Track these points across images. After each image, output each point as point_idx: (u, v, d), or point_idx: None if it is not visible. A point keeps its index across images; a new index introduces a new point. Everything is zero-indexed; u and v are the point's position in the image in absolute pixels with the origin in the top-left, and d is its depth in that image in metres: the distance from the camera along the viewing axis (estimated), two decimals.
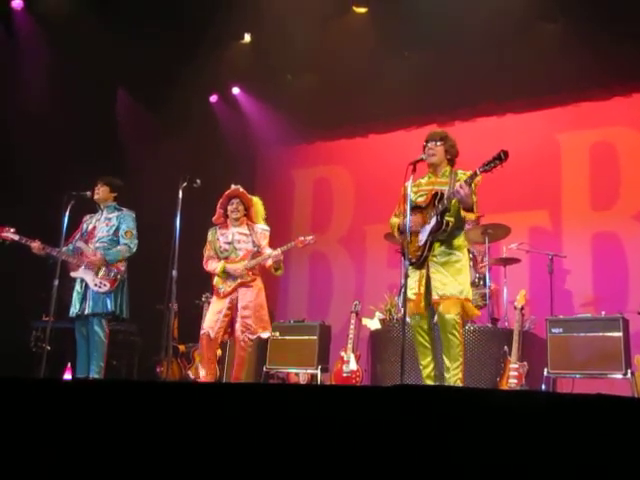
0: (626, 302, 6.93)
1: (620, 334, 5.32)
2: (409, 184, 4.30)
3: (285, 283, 8.98)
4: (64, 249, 5.58)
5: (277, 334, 6.69)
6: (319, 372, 6.45)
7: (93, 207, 5.83)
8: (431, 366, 4.45)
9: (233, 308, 5.35)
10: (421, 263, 4.38)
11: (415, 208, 4.42)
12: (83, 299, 5.50)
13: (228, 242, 5.49)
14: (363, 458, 1.90)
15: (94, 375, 5.35)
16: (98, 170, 6.19)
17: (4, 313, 6.65)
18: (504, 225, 6.45)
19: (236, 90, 9.40)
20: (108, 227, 5.70)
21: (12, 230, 5.61)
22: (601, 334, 5.40)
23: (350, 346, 6.60)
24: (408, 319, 4.43)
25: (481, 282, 6.46)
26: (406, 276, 4.39)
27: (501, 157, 3.99)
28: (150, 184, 7.78)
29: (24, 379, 2.74)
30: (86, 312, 5.45)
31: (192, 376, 7.26)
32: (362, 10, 7.90)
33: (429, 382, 4.42)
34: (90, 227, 5.75)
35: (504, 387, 5.47)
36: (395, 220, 4.65)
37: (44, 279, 5.59)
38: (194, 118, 8.75)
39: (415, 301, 4.36)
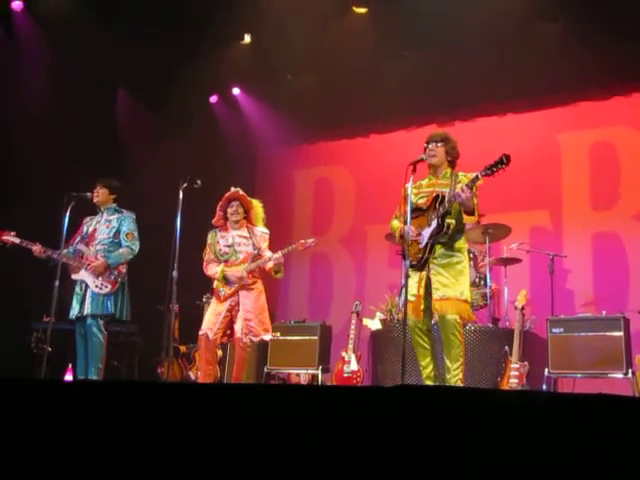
0: (627, 302, 6.93)
1: (621, 334, 5.32)
2: (409, 185, 4.29)
3: (286, 283, 8.98)
4: (65, 252, 5.57)
5: (278, 334, 6.69)
6: (320, 372, 6.45)
7: (93, 208, 5.83)
8: (431, 366, 4.44)
9: (233, 310, 5.34)
10: (422, 265, 4.38)
11: (416, 210, 4.41)
12: (82, 300, 5.50)
13: (228, 245, 5.48)
14: (364, 458, 1.90)
15: (93, 377, 5.35)
16: (98, 171, 6.19)
17: (5, 314, 6.65)
18: (505, 225, 6.45)
19: (236, 90, 9.40)
20: (109, 229, 5.69)
21: (13, 233, 5.61)
22: (602, 334, 5.40)
23: (351, 346, 6.60)
24: (408, 320, 4.43)
25: (482, 282, 6.46)
26: (407, 276, 4.38)
27: (503, 161, 3.99)
28: (150, 185, 7.78)
29: (25, 380, 2.74)
30: (85, 313, 5.45)
31: (193, 377, 7.27)
32: (362, 10, 7.90)
33: (429, 383, 4.41)
34: (90, 229, 5.74)
35: (505, 387, 5.47)
36: (396, 224, 4.64)
37: (45, 280, 5.59)
38: (194, 118, 8.75)
39: (414, 303, 4.36)
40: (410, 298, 4.36)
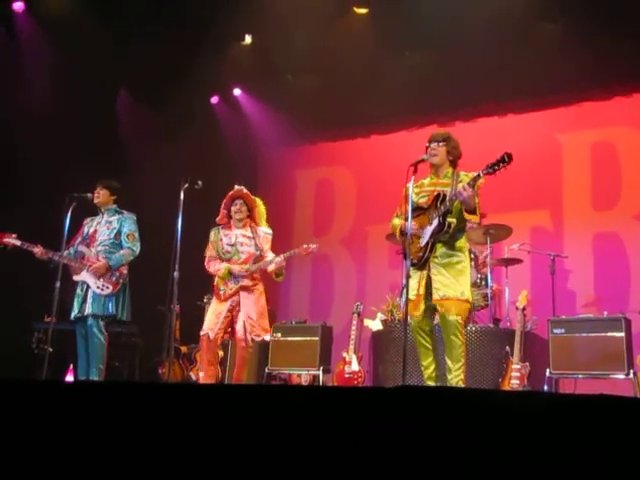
0: (628, 302, 6.93)
1: (622, 334, 5.32)
2: (410, 185, 4.29)
3: (287, 284, 8.97)
4: (66, 253, 5.58)
5: (279, 335, 6.69)
6: (321, 373, 6.45)
7: (94, 209, 5.83)
8: (432, 367, 4.44)
9: (234, 310, 5.33)
10: (422, 264, 4.38)
11: (417, 209, 4.42)
12: (83, 301, 5.50)
13: (231, 244, 5.47)
14: (365, 459, 1.90)
15: (94, 378, 5.35)
16: (100, 170, 6.20)
17: (6, 314, 6.66)
18: (506, 225, 6.45)
19: (237, 91, 9.41)
20: (109, 230, 5.69)
21: (14, 236, 5.61)
22: (603, 334, 5.40)
23: (352, 347, 6.60)
24: (409, 320, 4.43)
25: (483, 282, 6.45)
26: (407, 277, 4.38)
27: (505, 160, 3.99)
28: (151, 185, 7.79)
29: (26, 380, 2.75)
30: (86, 313, 5.45)
31: (194, 377, 7.27)
32: (363, 11, 7.91)
33: (430, 383, 4.41)
34: (91, 230, 5.74)
35: (506, 388, 5.46)
36: (397, 222, 4.64)
37: (46, 281, 5.59)
38: (196, 119, 8.76)
39: (414, 302, 4.36)
40: (411, 297, 4.36)
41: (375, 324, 6.86)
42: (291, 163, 9.83)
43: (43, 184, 7.17)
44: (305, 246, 5.47)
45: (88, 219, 5.85)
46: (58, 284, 5.39)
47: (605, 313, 5.68)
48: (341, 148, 9.54)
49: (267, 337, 5.39)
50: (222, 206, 5.56)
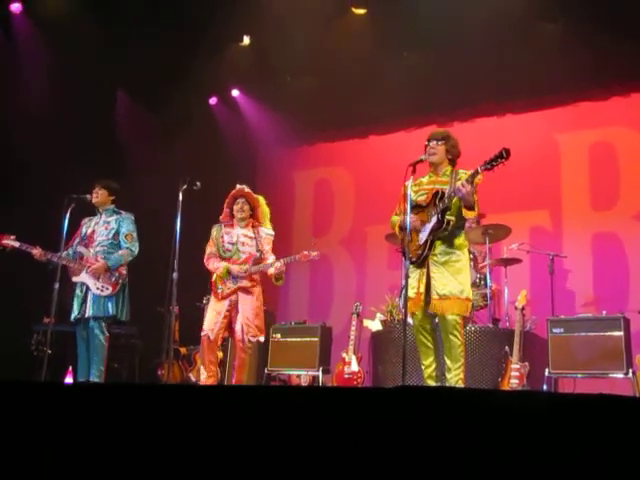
0: (627, 301, 6.94)
1: (621, 333, 5.32)
2: (409, 183, 4.30)
3: (286, 285, 8.93)
4: (64, 254, 5.57)
5: (278, 336, 6.69)
6: (320, 374, 6.44)
7: (92, 210, 5.83)
8: (433, 366, 4.44)
9: (232, 310, 5.33)
10: (421, 262, 4.38)
11: (416, 207, 4.42)
12: (83, 303, 5.50)
13: (232, 242, 5.47)
14: (365, 459, 1.90)
15: (94, 379, 5.35)
16: (98, 171, 6.20)
17: (5, 316, 6.65)
18: (504, 225, 6.45)
19: (235, 92, 9.41)
20: (107, 231, 5.69)
21: (12, 237, 5.61)
22: (602, 334, 5.40)
23: (351, 347, 6.60)
24: (410, 320, 4.43)
25: (482, 282, 6.46)
26: (407, 277, 4.38)
27: (503, 155, 3.99)
28: (150, 186, 7.78)
29: (25, 382, 2.74)
30: (86, 315, 5.45)
31: (193, 378, 7.27)
32: (361, 11, 7.90)
33: (431, 382, 4.41)
34: (89, 231, 5.74)
35: (505, 387, 5.47)
36: (396, 218, 4.65)
37: (45, 282, 5.59)
38: (194, 120, 8.76)
39: (415, 299, 4.36)
40: (411, 295, 4.36)
41: (374, 324, 6.86)
42: (289, 164, 9.83)
43: (41, 185, 7.16)
44: (306, 253, 5.45)
45: (86, 219, 5.85)
46: (57, 285, 5.39)
47: (604, 312, 5.68)
48: (340, 149, 9.54)
49: (261, 338, 5.39)
50: (225, 205, 5.57)
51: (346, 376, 6.50)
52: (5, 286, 6.59)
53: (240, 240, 5.46)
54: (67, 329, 5.87)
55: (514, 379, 5.44)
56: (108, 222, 5.73)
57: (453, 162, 4.55)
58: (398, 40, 7.90)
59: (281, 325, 7.03)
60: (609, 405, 1.84)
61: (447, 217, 4.33)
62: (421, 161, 4.44)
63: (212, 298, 5.47)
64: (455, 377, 4.27)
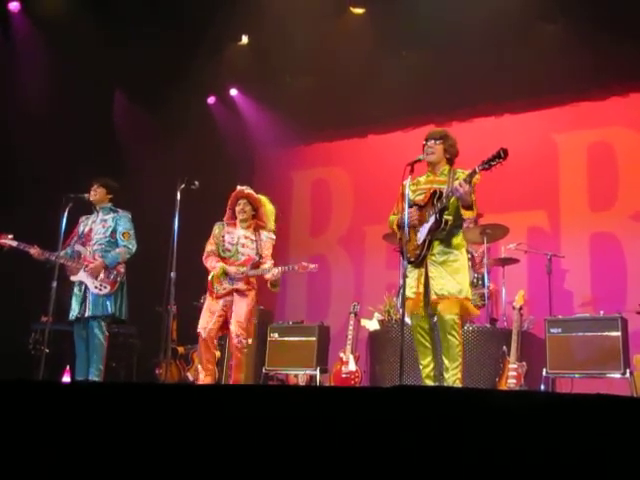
0: (624, 302, 6.94)
1: (619, 334, 5.32)
2: (407, 182, 4.31)
3: (284, 284, 8.96)
4: (62, 253, 5.56)
5: (276, 335, 6.70)
6: (318, 373, 6.44)
7: (90, 209, 5.83)
8: (431, 366, 4.44)
9: (228, 311, 5.34)
10: (420, 262, 4.38)
11: (413, 206, 4.42)
12: (82, 302, 5.49)
13: (233, 243, 5.47)
14: (363, 459, 1.90)
15: (93, 378, 5.34)
16: (97, 171, 6.19)
17: (3, 315, 6.65)
18: (502, 225, 6.45)
19: (234, 92, 9.41)
20: (104, 229, 5.68)
21: (10, 236, 5.60)
22: (600, 334, 5.40)
23: (349, 347, 6.60)
24: (407, 319, 4.43)
25: (480, 282, 6.46)
26: (404, 276, 4.38)
27: (501, 155, 3.99)
28: (148, 185, 7.78)
29: (23, 381, 2.74)
30: (86, 315, 5.45)
31: (191, 378, 7.27)
32: (359, 11, 7.90)
33: (428, 382, 4.41)
34: (86, 229, 5.73)
35: (503, 387, 5.47)
36: (394, 217, 4.65)
37: (43, 281, 5.59)
38: (192, 119, 8.75)
39: (415, 300, 4.36)
40: (410, 295, 4.36)
41: (372, 324, 6.86)
42: (288, 163, 9.83)
43: (40, 185, 7.16)
44: (305, 264, 5.47)
45: (83, 217, 5.84)
46: (55, 284, 5.38)
47: (602, 312, 5.69)
48: (338, 148, 9.55)
49: (250, 340, 5.39)
50: (228, 205, 5.57)
51: (343, 376, 6.50)
52: (3, 285, 6.58)
53: (241, 241, 5.46)
54: (65, 328, 5.87)
55: (512, 379, 5.44)
56: (105, 220, 5.73)
57: (451, 161, 4.55)
58: (397, 40, 7.90)
59: (279, 324, 7.03)
60: (606, 405, 1.84)
61: (445, 217, 4.32)
62: (419, 161, 4.44)
63: (208, 297, 5.48)
64: (453, 377, 4.27)
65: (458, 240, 4.44)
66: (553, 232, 7.96)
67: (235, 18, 7.63)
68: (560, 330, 5.56)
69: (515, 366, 5.48)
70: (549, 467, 1.75)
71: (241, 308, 5.31)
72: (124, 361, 7.27)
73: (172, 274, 5.13)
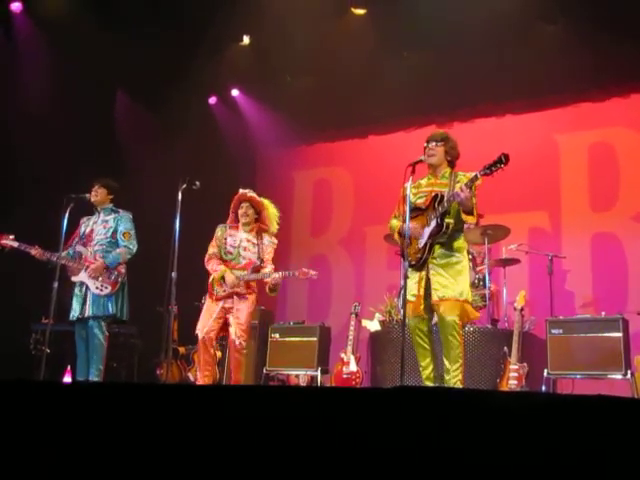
0: (626, 302, 6.94)
1: (620, 334, 5.32)
2: (408, 185, 4.29)
3: (285, 285, 8.96)
4: (64, 254, 5.57)
5: (277, 336, 6.69)
6: (319, 374, 6.44)
7: (91, 209, 5.83)
8: (430, 367, 4.43)
9: (228, 312, 5.35)
10: (421, 265, 4.37)
11: (415, 210, 4.41)
12: (83, 302, 5.50)
13: (234, 246, 5.48)
14: (363, 460, 1.90)
15: (93, 378, 5.34)
16: (98, 172, 6.20)
17: (4, 315, 6.65)
18: (503, 226, 6.45)
19: (235, 92, 9.41)
20: (105, 229, 5.69)
21: (11, 237, 5.61)
22: (601, 335, 5.40)
23: (350, 348, 6.60)
24: (407, 320, 4.42)
25: (481, 283, 6.46)
26: (405, 277, 4.38)
27: (502, 160, 3.98)
28: (150, 186, 7.79)
29: (24, 382, 2.74)
30: (87, 315, 5.45)
31: (192, 378, 7.27)
32: (361, 11, 7.91)
33: (429, 383, 4.40)
34: (88, 230, 5.74)
35: (504, 388, 5.47)
36: (395, 223, 4.63)
37: (43, 282, 5.59)
38: (194, 119, 8.76)
39: (414, 303, 4.35)
40: (410, 298, 4.36)
41: (373, 325, 6.86)
42: (289, 164, 9.83)
43: (41, 185, 7.17)
44: (305, 270, 5.49)
45: (84, 218, 5.84)
46: (56, 285, 5.38)
47: (603, 313, 5.68)
48: (339, 149, 9.55)
49: (246, 343, 5.41)
50: (231, 209, 5.58)
51: (344, 376, 6.49)
52: (4, 285, 6.59)
53: (242, 245, 5.47)
54: (66, 328, 5.87)
55: (513, 380, 5.44)
56: (106, 221, 5.73)
57: (452, 164, 4.54)
58: (398, 40, 7.90)
59: (280, 325, 7.03)
60: (607, 406, 1.84)
61: (446, 221, 4.32)
62: (420, 161, 4.43)
63: (207, 299, 5.49)
64: (454, 378, 4.26)
65: (459, 243, 4.43)
66: (554, 233, 7.96)
67: (236, 18, 7.63)
68: (561, 331, 5.55)
69: (516, 367, 5.47)
70: (550, 468, 1.75)
71: (241, 311, 5.32)
72: (125, 361, 7.27)
73: (173, 274, 5.14)
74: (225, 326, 5.36)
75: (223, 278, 5.36)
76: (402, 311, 4.31)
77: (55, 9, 7.49)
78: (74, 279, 5.59)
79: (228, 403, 2.25)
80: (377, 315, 6.87)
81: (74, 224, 5.76)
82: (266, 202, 5.63)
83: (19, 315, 6.84)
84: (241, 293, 5.35)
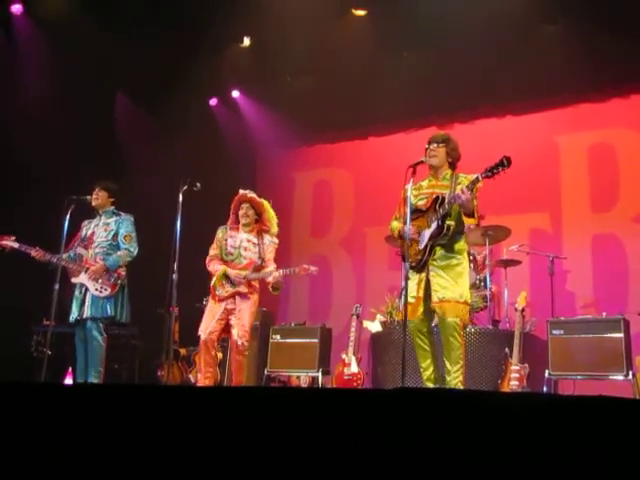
0: (626, 303, 6.93)
1: (621, 335, 5.31)
2: (409, 187, 4.29)
3: (286, 286, 8.93)
4: (64, 256, 5.57)
5: (278, 337, 6.69)
6: (320, 375, 6.44)
7: (92, 211, 5.83)
8: (431, 368, 4.43)
9: (230, 313, 5.35)
10: (421, 267, 4.37)
11: (415, 211, 4.41)
12: (82, 304, 5.49)
13: (235, 246, 5.48)
14: (364, 461, 1.90)
15: (93, 380, 5.34)
16: (98, 173, 6.20)
17: (5, 317, 6.65)
18: (504, 227, 6.45)
19: (236, 93, 9.42)
20: (107, 232, 5.69)
21: (12, 238, 5.60)
22: (602, 335, 5.39)
23: (351, 349, 6.60)
24: (408, 322, 4.42)
25: (482, 284, 6.46)
26: (406, 278, 4.38)
27: (504, 163, 3.98)
28: (150, 187, 7.79)
29: (25, 383, 2.74)
30: (85, 316, 5.44)
31: (193, 379, 7.26)
32: (361, 12, 7.91)
33: (429, 385, 4.40)
34: (89, 233, 5.74)
35: (505, 389, 5.46)
36: (396, 224, 4.63)
37: (45, 283, 5.59)
38: (194, 121, 8.76)
39: (414, 305, 4.35)
40: (410, 300, 4.35)
41: (374, 326, 6.85)
42: (289, 165, 9.84)
43: (41, 186, 7.17)
44: (305, 266, 5.49)
45: (86, 221, 5.85)
46: (57, 287, 5.38)
47: (604, 314, 5.68)
48: (339, 150, 9.55)
49: (248, 344, 5.41)
50: (231, 210, 5.58)
51: (346, 377, 6.49)
52: (5, 287, 6.59)
53: (243, 245, 5.47)
54: (67, 330, 5.87)
55: (514, 380, 5.44)
56: (108, 223, 5.73)
57: (453, 165, 4.54)
58: (398, 41, 7.91)
59: (281, 326, 7.03)
60: (609, 407, 1.84)
61: (447, 222, 4.31)
62: (421, 162, 4.42)
63: (210, 300, 5.49)
64: (454, 380, 4.25)
65: (460, 245, 4.43)
66: (555, 233, 7.96)
67: (236, 19, 7.64)
68: (562, 332, 5.55)
69: (517, 368, 5.47)
70: (551, 469, 1.75)
71: (244, 311, 5.32)
72: (126, 363, 7.26)
73: (174, 276, 5.14)
74: (227, 327, 5.36)
75: (225, 276, 5.36)
76: (403, 312, 4.31)
77: (55, 10, 7.49)
78: (74, 281, 5.59)
79: (229, 404, 2.25)
80: (378, 316, 6.86)
81: (75, 226, 5.76)
82: (265, 203, 5.64)
83: (20, 317, 6.84)
84: (243, 292, 5.35)
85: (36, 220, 6.48)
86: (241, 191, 5.57)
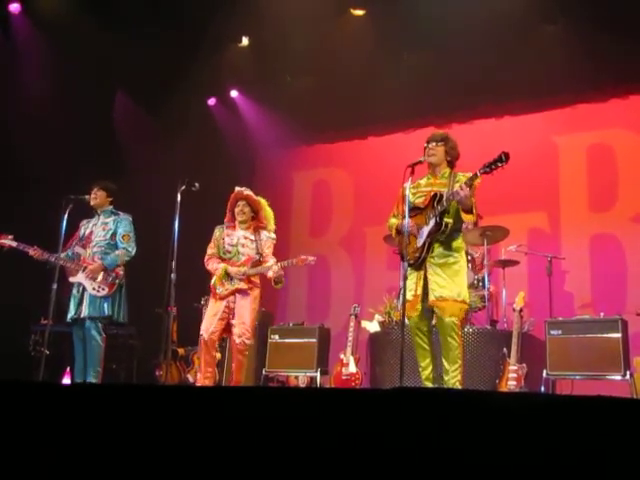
0: (625, 303, 6.93)
1: (619, 335, 5.32)
2: (408, 185, 4.30)
3: (285, 286, 8.94)
4: (63, 255, 5.56)
5: (276, 337, 6.70)
6: (318, 375, 6.44)
7: (91, 211, 5.83)
8: (430, 368, 4.44)
9: (230, 312, 5.34)
10: (419, 264, 4.37)
11: (414, 209, 4.42)
12: (79, 303, 5.49)
13: (232, 244, 5.48)
14: (363, 461, 1.90)
15: (91, 379, 5.34)
16: (97, 172, 6.20)
17: (3, 316, 6.64)
18: (503, 227, 6.45)
19: (234, 93, 9.42)
20: (105, 231, 5.69)
21: (10, 237, 5.60)
22: (600, 335, 5.40)
23: (349, 349, 6.60)
24: (407, 321, 4.43)
25: (480, 284, 6.46)
26: (405, 278, 4.38)
27: (502, 159, 3.99)
28: (149, 186, 7.79)
29: (23, 383, 2.74)
30: (82, 315, 5.44)
31: (191, 379, 7.26)
32: (360, 12, 7.91)
33: (428, 384, 4.40)
34: (87, 232, 5.74)
35: (503, 389, 5.47)
36: (393, 221, 4.64)
37: (43, 283, 5.59)
38: (193, 121, 8.76)
39: (412, 302, 4.35)
40: (408, 297, 4.36)
41: (372, 326, 6.85)
42: (289, 164, 9.84)
43: (41, 185, 7.16)
44: (303, 257, 5.47)
45: (84, 221, 5.85)
46: (55, 286, 5.38)
47: (602, 314, 5.69)
48: (338, 149, 9.55)
49: (250, 341, 5.40)
50: (228, 207, 5.58)
51: (344, 377, 6.49)
52: (3, 286, 6.58)
53: (240, 242, 5.47)
54: (65, 329, 5.86)
55: (512, 380, 5.44)
56: (106, 223, 5.73)
57: (452, 164, 4.55)
58: (397, 41, 7.90)
59: (279, 326, 7.03)
60: (606, 407, 1.84)
61: (445, 220, 4.32)
62: (420, 162, 4.43)
63: (211, 300, 5.48)
64: (453, 379, 4.26)
65: (458, 243, 4.43)
66: (553, 234, 7.96)
67: (235, 18, 7.63)
68: (560, 332, 5.55)
69: (515, 368, 5.47)
70: (550, 469, 1.75)
71: (244, 308, 5.31)
72: (124, 363, 7.26)
73: (172, 275, 5.14)
74: (228, 327, 5.34)
75: (226, 273, 5.36)
76: (402, 312, 4.31)
77: (54, 9, 7.48)
78: (72, 280, 5.58)
79: (227, 404, 2.25)
80: (376, 316, 6.86)
81: (73, 225, 5.76)
82: (262, 201, 5.63)
83: (18, 316, 6.83)
84: (243, 289, 5.35)
85: (35, 219, 6.48)
86: (237, 188, 5.56)
